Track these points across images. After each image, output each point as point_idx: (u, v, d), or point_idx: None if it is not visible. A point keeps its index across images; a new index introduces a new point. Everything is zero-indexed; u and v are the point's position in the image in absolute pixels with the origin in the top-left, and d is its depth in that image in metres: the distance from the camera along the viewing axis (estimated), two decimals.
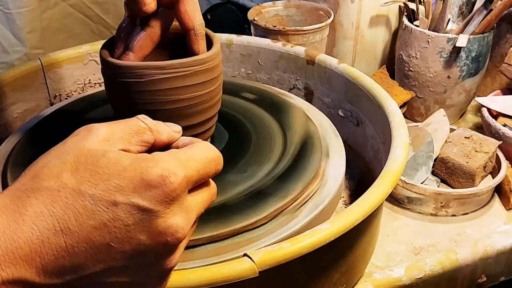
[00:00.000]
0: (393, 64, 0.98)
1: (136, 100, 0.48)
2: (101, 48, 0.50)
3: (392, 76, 0.96)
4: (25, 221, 0.30)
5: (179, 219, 0.33)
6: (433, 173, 0.77)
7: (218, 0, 1.39)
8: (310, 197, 0.53)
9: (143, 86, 0.47)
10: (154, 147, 0.37)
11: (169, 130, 0.38)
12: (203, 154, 0.36)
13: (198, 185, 0.36)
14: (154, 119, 0.38)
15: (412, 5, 0.93)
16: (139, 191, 0.32)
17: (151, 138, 0.36)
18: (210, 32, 0.53)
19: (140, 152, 0.35)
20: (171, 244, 0.33)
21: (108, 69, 0.48)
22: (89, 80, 0.80)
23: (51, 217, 0.30)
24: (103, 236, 0.31)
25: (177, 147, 0.37)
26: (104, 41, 0.52)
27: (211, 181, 0.38)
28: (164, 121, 0.39)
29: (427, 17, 0.89)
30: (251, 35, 0.89)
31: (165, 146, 0.38)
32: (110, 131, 0.34)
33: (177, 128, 0.39)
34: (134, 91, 0.47)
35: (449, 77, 0.87)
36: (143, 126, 0.36)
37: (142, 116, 0.37)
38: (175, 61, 0.47)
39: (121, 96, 0.49)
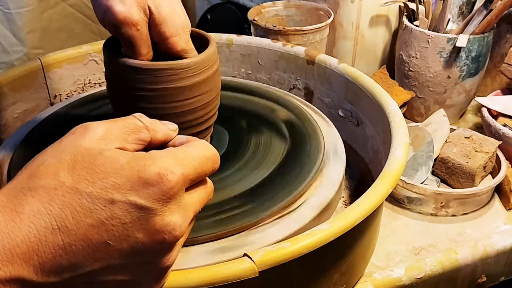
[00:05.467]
0: (393, 64, 0.98)
1: (143, 99, 0.48)
2: (105, 47, 0.50)
3: (392, 76, 0.96)
4: (22, 220, 0.30)
5: (177, 217, 0.33)
6: (433, 173, 0.77)
7: (218, 0, 1.39)
8: (308, 199, 0.53)
9: (154, 86, 0.48)
10: (151, 146, 0.37)
11: (166, 128, 0.38)
12: (200, 153, 0.36)
13: (195, 183, 0.36)
14: (154, 118, 0.38)
15: (412, 5, 0.93)
16: (137, 189, 0.32)
17: (148, 136, 0.36)
18: (205, 33, 0.53)
19: (136, 151, 0.35)
20: (168, 242, 0.33)
21: (118, 68, 0.48)
22: (89, 80, 0.80)
23: (48, 216, 0.30)
24: (100, 234, 0.31)
25: (174, 146, 0.37)
26: (103, 41, 0.51)
27: (208, 179, 0.38)
28: (163, 119, 0.39)
29: (427, 17, 0.89)
30: (251, 35, 0.89)
31: (162, 145, 0.38)
32: (107, 129, 0.34)
33: (173, 126, 0.39)
34: (145, 90, 0.48)
35: (449, 77, 0.87)
36: (140, 124, 0.36)
37: (139, 115, 0.37)
38: (183, 61, 0.48)
39: (128, 96, 0.49)
